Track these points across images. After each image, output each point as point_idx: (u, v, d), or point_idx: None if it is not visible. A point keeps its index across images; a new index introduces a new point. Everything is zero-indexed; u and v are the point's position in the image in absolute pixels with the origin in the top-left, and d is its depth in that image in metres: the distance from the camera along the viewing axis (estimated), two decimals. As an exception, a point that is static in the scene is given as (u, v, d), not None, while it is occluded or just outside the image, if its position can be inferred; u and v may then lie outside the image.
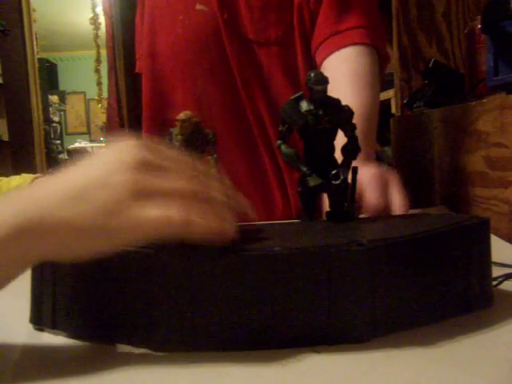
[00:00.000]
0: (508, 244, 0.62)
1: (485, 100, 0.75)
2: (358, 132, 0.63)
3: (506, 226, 0.66)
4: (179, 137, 0.50)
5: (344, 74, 0.78)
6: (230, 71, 0.87)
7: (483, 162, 0.75)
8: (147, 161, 0.35)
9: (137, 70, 1.06)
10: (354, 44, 0.80)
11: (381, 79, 0.84)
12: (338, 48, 0.80)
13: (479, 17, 0.89)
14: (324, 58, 0.81)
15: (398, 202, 0.62)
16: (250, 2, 0.85)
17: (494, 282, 0.42)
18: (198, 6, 0.87)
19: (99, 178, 0.33)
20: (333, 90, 0.76)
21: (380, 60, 0.83)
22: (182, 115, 0.50)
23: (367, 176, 0.63)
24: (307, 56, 0.86)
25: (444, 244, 0.37)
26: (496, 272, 0.43)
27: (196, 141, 0.50)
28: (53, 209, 0.32)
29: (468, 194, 0.83)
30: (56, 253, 0.33)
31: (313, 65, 0.85)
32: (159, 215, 0.33)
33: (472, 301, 0.38)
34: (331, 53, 0.80)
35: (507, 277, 0.45)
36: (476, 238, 0.39)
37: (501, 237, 0.64)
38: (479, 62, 0.94)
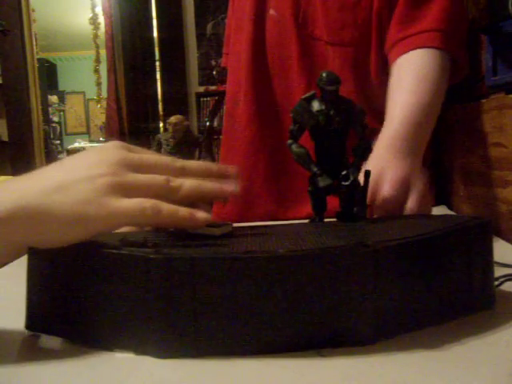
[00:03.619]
0: (507, 244, 0.62)
1: (483, 100, 0.75)
2: (404, 123, 0.67)
3: (505, 225, 0.67)
4: (172, 140, 0.50)
5: (405, 76, 0.75)
6: (293, 73, 0.89)
7: (482, 162, 0.76)
8: (126, 158, 0.39)
9: (222, 64, 1.11)
10: (422, 47, 0.76)
11: (449, 84, 0.77)
12: (405, 52, 0.77)
13: (478, 17, 0.89)
14: (392, 62, 0.79)
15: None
16: (328, 2, 0.85)
17: (496, 283, 0.42)
18: (272, 11, 0.90)
19: (80, 172, 0.37)
20: (393, 92, 0.75)
21: (454, 66, 0.78)
22: (173, 119, 0.51)
23: (388, 180, 0.59)
24: (382, 60, 0.84)
25: (447, 245, 0.37)
26: (496, 272, 0.43)
27: (187, 144, 0.51)
28: (35, 198, 0.35)
29: (467, 194, 0.83)
30: (36, 239, 0.35)
31: (386, 70, 0.82)
32: (132, 204, 0.36)
33: (474, 302, 0.39)
34: (398, 57, 0.78)
35: (508, 277, 0.45)
36: (478, 238, 0.39)
37: (500, 236, 0.64)
38: (478, 61, 0.94)
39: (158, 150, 0.51)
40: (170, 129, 0.50)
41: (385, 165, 0.62)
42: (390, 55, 0.82)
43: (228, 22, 1.07)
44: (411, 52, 0.77)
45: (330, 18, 0.86)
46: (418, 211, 0.58)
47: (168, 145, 0.49)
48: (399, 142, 0.66)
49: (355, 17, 0.85)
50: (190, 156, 0.52)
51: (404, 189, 0.59)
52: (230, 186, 0.43)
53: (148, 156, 0.41)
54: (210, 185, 0.42)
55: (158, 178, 0.39)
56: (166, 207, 0.37)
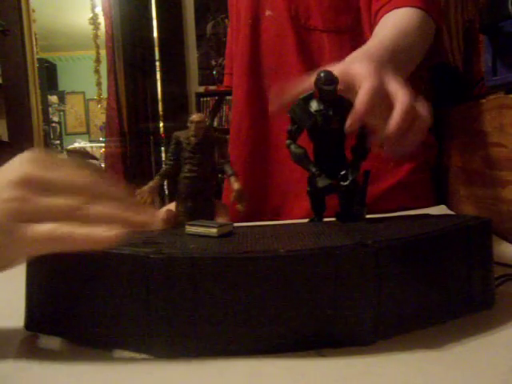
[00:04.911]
0: (507, 244, 0.62)
1: (483, 100, 0.75)
2: (386, 36, 0.68)
3: (505, 225, 0.67)
4: (192, 139, 0.50)
5: (385, 24, 0.76)
6: (292, 68, 0.90)
7: (482, 162, 0.76)
8: (33, 177, 0.35)
9: (224, 83, 1.15)
10: (405, 6, 0.77)
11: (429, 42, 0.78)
12: (388, 11, 0.78)
13: (478, 17, 0.89)
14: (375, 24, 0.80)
15: (400, 98, 0.46)
16: None
17: (496, 283, 0.42)
18: (268, 12, 0.93)
19: None
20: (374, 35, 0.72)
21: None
22: (195, 117, 0.50)
23: (361, 74, 0.48)
24: None
25: (447, 245, 0.37)
26: (496, 272, 0.43)
27: (207, 143, 0.50)
28: None
29: (467, 194, 0.83)
30: None
31: None
32: (42, 230, 0.33)
33: (474, 302, 0.39)
34: (381, 18, 0.79)
35: (508, 277, 0.45)
36: (478, 238, 0.39)
37: (500, 236, 0.64)
38: (478, 62, 0.94)
39: (177, 149, 0.50)
40: (192, 127, 0.49)
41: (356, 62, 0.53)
42: (374, 21, 0.82)
43: (229, 41, 1.09)
44: (393, 11, 0.78)
45: (324, 6, 0.87)
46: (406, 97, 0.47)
47: (189, 143, 0.48)
48: (374, 50, 0.61)
49: (348, 2, 0.87)
50: (211, 156, 0.52)
51: (380, 81, 0.48)
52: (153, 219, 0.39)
53: (61, 175, 0.37)
54: (128, 217, 0.37)
55: (70, 203, 0.35)
56: (78, 230, 0.34)
